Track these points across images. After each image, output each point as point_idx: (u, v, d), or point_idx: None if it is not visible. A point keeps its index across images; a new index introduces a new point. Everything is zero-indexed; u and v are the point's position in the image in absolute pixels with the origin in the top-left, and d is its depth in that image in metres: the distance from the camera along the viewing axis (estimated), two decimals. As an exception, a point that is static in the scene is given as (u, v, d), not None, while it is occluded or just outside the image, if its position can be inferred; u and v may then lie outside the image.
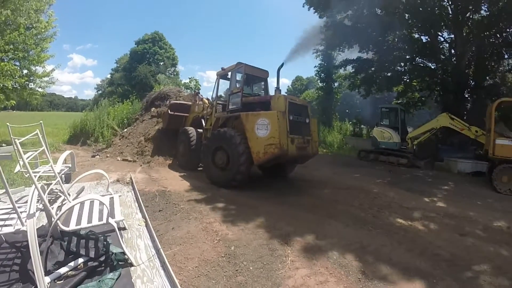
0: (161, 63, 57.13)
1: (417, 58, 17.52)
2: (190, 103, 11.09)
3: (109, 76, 65.37)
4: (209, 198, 6.33)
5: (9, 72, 11.64)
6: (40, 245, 2.81)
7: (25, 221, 2.57)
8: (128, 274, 2.87)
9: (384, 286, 3.34)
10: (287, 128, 6.83)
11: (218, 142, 7.59)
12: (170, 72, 58.53)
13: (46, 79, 14.10)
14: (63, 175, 5.46)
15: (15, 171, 5.13)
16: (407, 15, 15.18)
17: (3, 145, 6.45)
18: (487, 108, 10.89)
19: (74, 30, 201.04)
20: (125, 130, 13.19)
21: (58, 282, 2.73)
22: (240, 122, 7.41)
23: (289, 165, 8.72)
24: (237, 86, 8.33)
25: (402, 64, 18.14)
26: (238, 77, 8.48)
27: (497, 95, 14.10)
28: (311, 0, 17.06)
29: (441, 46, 16.95)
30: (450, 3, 15.13)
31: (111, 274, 2.76)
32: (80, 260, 2.98)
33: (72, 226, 2.96)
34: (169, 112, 10.88)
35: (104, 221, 2.97)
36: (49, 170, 3.93)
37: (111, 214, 3.15)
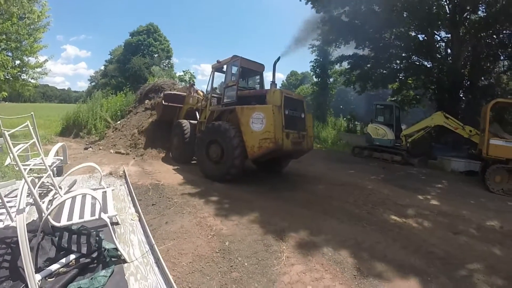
0: (156, 55, 56.53)
1: (413, 56, 17.50)
2: (185, 93, 10.97)
3: (102, 67, 64.57)
4: (203, 192, 6.26)
5: (1, 62, 11.41)
6: (30, 241, 2.74)
7: (15, 217, 2.49)
8: (121, 271, 2.81)
9: (379, 283, 3.33)
10: (283, 123, 6.77)
11: (213, 136, 7.52)
12: (164, 64, 57.94)
13: (38, 70, 13.91)
14: (55, 168, 5.36)
15: (5, 164, 5.01)
16: (405, 13, 15.12)
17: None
18: (481, 108, 10.94)
19: (68, 20, 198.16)
20: (118, 122, 13.03)
21: (49, 279, 2.66)
22: (235, 115, 7.34)
23: (284, 160, 8.67)
24: (233, 79, 8.24)
25: (398, 61, 18.15)
26: (234, 70, 8.38)
27: (491, 96, 14.19)
28: None
29: (437, 45, 16.97)
30: (448, 2, 15.13)
31: (104, 271, 2.70)
32: (72, 256, 2.91)
33: (64, 222, 2.88)
34: (163, 102, 10.73)
35: (97, 216, 2.90)
36: (40, 163, 3.83)
37: (104, 209, 3.08)
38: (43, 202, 3.07)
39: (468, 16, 15.09)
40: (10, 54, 12.78)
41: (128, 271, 2.84)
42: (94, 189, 3.79)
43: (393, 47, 17.47)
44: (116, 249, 2.95)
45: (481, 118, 10.59)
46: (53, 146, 4.94)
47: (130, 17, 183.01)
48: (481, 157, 9.76)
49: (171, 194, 5.91)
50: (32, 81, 14.09)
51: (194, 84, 11.53)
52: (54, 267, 2.77)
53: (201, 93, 10.08)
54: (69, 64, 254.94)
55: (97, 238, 3.09)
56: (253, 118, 6.82)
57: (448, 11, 15.32)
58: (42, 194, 4.29)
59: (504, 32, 14.74)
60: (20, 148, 3.95)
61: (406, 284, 3.38)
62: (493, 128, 9.55)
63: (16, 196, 2.83)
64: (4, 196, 3.36)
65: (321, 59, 28.55)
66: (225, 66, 8.59)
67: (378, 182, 8.74)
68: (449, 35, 16.02)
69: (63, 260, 2.85)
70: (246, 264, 3.48)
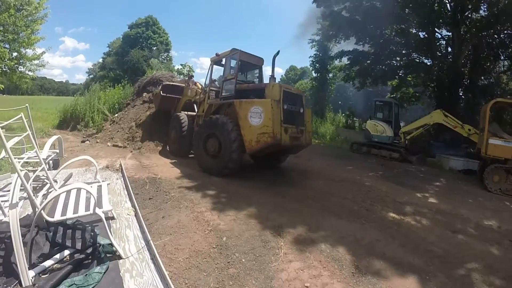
0: (154, 48, 56.11)
1: (414, 53, 17.45)
2: (183, 85, 10.88)
3: (101, 60, 64.14)
4: (201, 186, 6.21)
5: None
6: (24, 236, 2.68)
7: (8, 212, 2.43)
8: (116, 267, 2.76)
9: (377, 281, 3.30)
10: (281, 117, 6.71)
11: (210, 129, 7.46)
12: (163, 57, 57.50)
13: (36, 62, 13.79)
14: (51, 161, 5.29)
15: (0, 157, 4.93)
16: (406, 9, 15.03)
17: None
18: (481, 107, 10.90)
19: (66, 12, 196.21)
20: (116, 115, 12.93)
21: (42, 276, 2.61)
22: (233, 109, 7.28)
23: (282, 155, 8.61)
24: (231, 72, 8.15)
25: (398, 58, 18.11)
26: (233, 63, 8.28)
27: (491, 95, 14.18)
28: None
29: (438, 43, 16.91)
30: (449, 0, 15.03)
31: (99, 267, 2.65)
32: (66, 252, 2.85)
33: (57, 217, 2.82)
34: (161, 93, 10.65)
35: (91, 211, 2.83)
36: (35, 156, 3.75)
37: (99, 203, 3.01)
38: (38, 196, 3.01)
39: (470, 15, 15.01)
40: (7, 46, 12.66)
41: (123, 267, 2.79)
42: (89, 183, 3.71)
43: (393, 43, 17.43)
44: (111, 244, 2.89)
45: (480, 118, 10.57)
46: (50, 139, 4.84)
47: (129, 9, 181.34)
48: (479, 156, 9.75)
49: (168, 188, 5.86)
50: (30, 73, 13.97)
51: (193, 76, 11.44)
52: (48, 263, 2.71)
53: (200, 86, 9.98)
54: (67, 57, 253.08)
55: (92, 233, 3.03)
56: (252, 112, 6.76)
57: (449, 9, 15.23)
58: (38, 187, 4.22)
59: (505, 32, 14.72)
60: (13, 142, 3.85)
61: (404, 282, 3.35)
62: (493, 128, 9.53)
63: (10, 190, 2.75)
64: (-1, 190, 3.31)
65: (320, 54, 28.46)
66: (224, 59, 8.47)
67: (377, 178, 8.71)
68: (450, 34, 15.95)
69: (57, 256, 2.79)
70: (243, 260, 3.44)
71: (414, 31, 17.04)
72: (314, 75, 31.50)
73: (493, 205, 7.13)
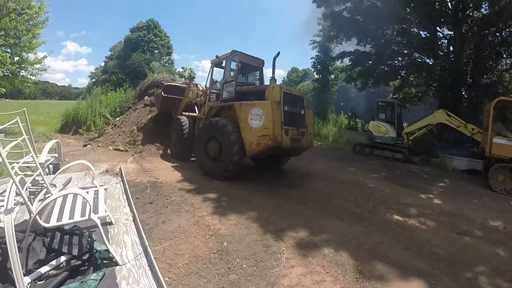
0: (156, 51, 56.20)
1: (415, 53, 17.34)
2: (185, 86, 10.85)
3: (103, 64, 64.28)
4: (201, 189, 6.15)
5: None
6: (21, 241, 2.65)
7: (3, 217, 2.38)
8: (113, 274, 2.70)
9: (382, 286, 3.24)
10: (282, 119, 6.64)
11: (210, 132, 7.41)
12: (165, 60, 57.63)
13: (37, 66, 13.79)
14: (51, 165, 5.25)
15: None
16: (407, 9, 14.95)
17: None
18: (484, 106, 10.80)
19: (68, 17, 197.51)
20: (118, 118, 12.92)
21: (38, 282, 2.56)
22: (233, 112, 7.22)
23: (283, 157, 8.55)
24: (231, 74, 8.11)
25: (400, 58, 17.98)
26: (233, 65, 8.25)
27: (494, 94, 14.03)
28: None
29: (439, 42, 16.79)
30: (450, -1, 14.96)
31: (94, 274, 2.59)
32: (63, 258, 2.80)
33: (53, 222, 2.77)
34: (163, 94, 10.64)
35: (86, 217, 2.78)
36: (33, 161, 3.70)
37: (94, 209, 2.95)
38: (34, 201, 2.96)
39: (471, 14, 14.91)
40: (9, 50, 12.69)
41: (120, 274, 2.73)
42: (87, 188, 3.65)
43: (395, 43, 17.33)
44: (108, 251, 2.83)
45: (483, 117, 10.48)
46: (48, 143, 4.80)
47: (131, 13, 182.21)
48: (483, 156, 9.64)
49: (169, 192, 5.81)
50: (32, 77, 13.98)
51: (195, 78, 11.41)
52: (44, 269, 2.67)
53: (201, 88, 9.95)
54: (69, 61, 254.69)
55: (89, 239, 2.98)
56: (252, 115, 6.70)
57: (450, 8, 15.14)
58: (37, 192, 4.17)
59: (507, 30, 14.61)
60: (8, 146, 3.81)
61: (409, 286, 3.29)
62: (496, 127, 9.44)
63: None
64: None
65: (322, 56, 28.42)
66: (224, 62, 8.43)
67: (380, 180, 8.61)
68: (452, 33, 15.84)
69: (54, 262, 2.74)
70: (244, 265, 3.37)
71: (415, 30, 16.95)
72: (316, 76, 31.43)
73: (498, 205, 7.03)
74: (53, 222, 2.77)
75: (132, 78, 36.05)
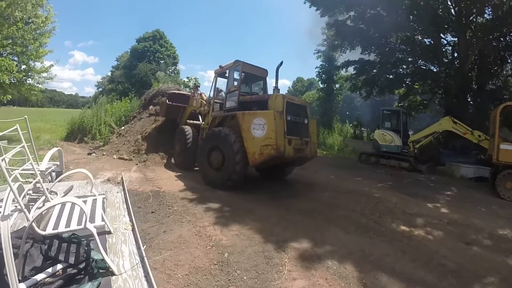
0: (162, 61, 56.78)
1: (420, 60, 17.28)
2: (189, 94, 10.91)
3: (109, 73, 65.05)
4: (204, 199, 6.09)
5: (5, 67, 11.44)
6: (19, 248, 2.63)
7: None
8: (108, 284, 2.65)
9: (387, 299, 3.12)
10: (284, 129, 6.59)
11: (213, 142, 7.39)
12: (170, 70, 58.11)
13: (44, 74, 13.96)
14: (54, 173, 5.23)
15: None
16: (410, 16, 14.95)
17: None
18: (490, 112, 10.69)
19: (76, 27, 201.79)
20: (123, 128, 12.98)
21: None
22: (236, 121, 7.20)
23: (287, 167, 8.47)
24: (235, 84, 8.10)
25: (404, 66, 17.94)
26: (236, 75, 8.23)
27: (500, 100, 13.88)
28: None
29: (444, 49, 16.74)
30: (454, 5, 14.92)
31: (89, 284, 2.54)
32: (59, 266, 2.77)
33: (49, 230, 2.74)
34: (167, 102, 10.69)
35: (82, 225, 2.74)
36: (35, 168, 3.69)
37: (91, 218, 2.92)
38: (32, 209, 2.95)
39: (475, 19, 14.87)
40: (16, 58, 12.88)
41: (115, 284, 2.68)
42: (86, 197, 3.62)
43: (399, 51, 17.32)
44: (104, 260, 2.79)
45: (490, 123, 10.38)
46: (50, 151, 4.80)
47: (137, 23, 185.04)
48: (491, 163, 9.50)
49: (172, 202, 5.77)
50: (38, 85, 14.14)
51: (199, 86, 11.47)
52: (40, 276, 2.64)
53: (205, 97, 9.97)
54: (76, 70, 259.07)
55: (86, 248, 2.94)
56: (254, 124, 6.66)
57: (454, 14, 15.12)
58: (38, 199, 4.15)
59: (511, 34, 14.54)
60: (11, 153, 3.82)
61: (416, 300, 3.17)
62: (503, 133, 9.34)
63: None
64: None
65: (326, 65, 28.40)
66: (227, 71, 8.45)
67: (386, 189, 8.49)
68: (456, 39, 15.80)
69: (50, 270, 2.72)
70: (245, 277, 3.29)
71: (419, 38, 16.92)
72: (321, 86, 31.38)
73: (507, 213, 6.88)
74: (49, 230, 2.74)
75: (138, 88, 36.40)
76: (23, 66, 13.12)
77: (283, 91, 7.63)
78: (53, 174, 5.42)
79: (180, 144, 9.38)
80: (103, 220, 3.06)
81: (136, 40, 57.92)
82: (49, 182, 4.97)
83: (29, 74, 13.41)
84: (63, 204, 3.15)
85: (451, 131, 11.74)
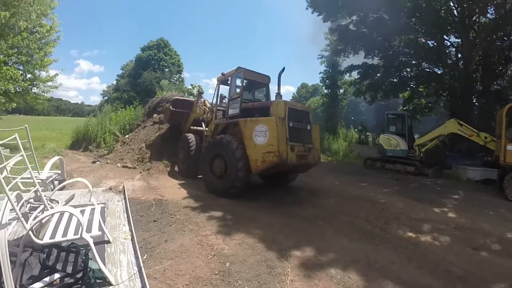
0: (166, 70, 57.17)
1: (424, 63, 17.23)
2: (193, 100, 10.97)
3: (115, 82, 65.66)
4: (207, 208, 6.05)
5: (10, 76, 11.56)
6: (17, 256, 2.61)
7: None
8: (105, 294, 2.60)
9: (392, 309, 3.03)
10: (287, 135, 6.54)
11: (215, 150, 7.36)
12: (175, 78, 58.46)
13: (49, 83, 14.06)
14: (56, 182, 5.22)
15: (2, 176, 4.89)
16: (413, 19, 14.91)
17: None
18: (495, 113, 10.57)
19: (81, 36, 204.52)
20: (127, 136, 13.03)
21: None
22: (238, 128, 7.18)
23: (291, 174, 8.40)
24: (237, 91, 8.09)
25: (408, 69, 17.88)
26: (238, 82, 8.24)
27: (505, 100, 13.77)
28: (314, 3, 16.76)
29: (447, 51, 16.64)
30: (456, 6, 14.87)
31: (85, 293, 2.50)
32: (56, 275, 2.73)
33: (46, 239, 2.72)
34: (171, 108, 10.76)
35: (79, 235, 2.72)
36: (35, 177, 3.68)
37: (88, 227, 2.89)
38: (30, 217, 2.95)
39: (478, 20, 14.79)
40: (21, 67, 13.01)
41: (112, 294, 2.63)
42: (85, 206, 3.59)
43: (402, 54, 17.27)
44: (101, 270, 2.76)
45: (496, 124, 10.27)
46: (51, 159, 4.80)
47: (142, 32, 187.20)
48: (498, 165, 9.38)
49: (174, 210, 5.75)
50: (44, 94, 14.28)
51: (203, 93, 11.53)
52: (37, 285, 2.60)
53: (208, 104, 9.99)
54: (82, 79, 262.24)
55: (84, 257, 2.91)
56: (256, 131, 6.63)
57: (456, 15, 15.06)
58: (39, 208, 4.14)
59: (515, 34, 14.43)
60: (10, 161, 3.81)
61: (422, 309, 3.08)
62: (510, 134, 9.19)
63: (11, 210, 2.70)
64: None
65: (330, 70, 28.39)
66: (229, 79, 8.44)
67: (391, 195, 8.38)
68: (459, 40, 15.72)
69: (47, 279, 2.68)
70: None
71: (422, 40, 16.87)
72: (325, 91, 31.34)
73: (516, 216, 6.74)
74: (46, 239, 2.72)
75: (143, 96, 36.63)
76: (28, 75, 13.23)
77: (288, 97, 7.58)
78: (56, 182, 5.41)
79: (183, 152, 9.37)
80: (100, 229, 3.03)
81: (140, 49, 58.48)
82: (51, 190, 4.96)
83: (34, 83, 13.49)
84: (62, 213, 3.13)
85: (457, 133, 11.63)
